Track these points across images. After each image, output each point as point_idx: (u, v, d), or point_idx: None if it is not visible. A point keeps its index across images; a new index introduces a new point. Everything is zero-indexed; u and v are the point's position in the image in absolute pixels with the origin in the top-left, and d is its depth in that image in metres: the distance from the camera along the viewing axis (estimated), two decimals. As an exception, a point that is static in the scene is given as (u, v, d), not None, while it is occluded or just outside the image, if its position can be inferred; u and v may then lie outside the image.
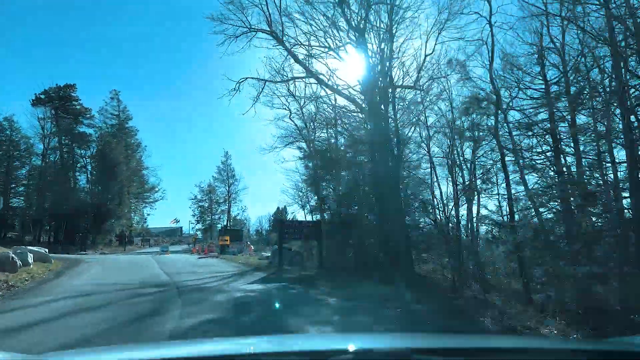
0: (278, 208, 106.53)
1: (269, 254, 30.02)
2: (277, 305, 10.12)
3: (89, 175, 54.12)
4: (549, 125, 12.98)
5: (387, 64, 18.24)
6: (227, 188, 72.75)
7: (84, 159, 53.94)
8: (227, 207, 72.66)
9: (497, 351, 2.03)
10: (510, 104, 15.07)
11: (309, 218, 38.79)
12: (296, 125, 40.63)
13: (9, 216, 41.32)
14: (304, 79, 21.48)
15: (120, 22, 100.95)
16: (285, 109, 39.60)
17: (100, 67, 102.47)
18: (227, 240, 32.02)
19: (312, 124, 39.93)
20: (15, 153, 45.01)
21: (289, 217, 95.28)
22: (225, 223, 73.41)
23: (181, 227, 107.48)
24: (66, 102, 51.97)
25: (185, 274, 16.92)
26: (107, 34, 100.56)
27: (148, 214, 78.11)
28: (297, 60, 19.53)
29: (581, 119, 12.49)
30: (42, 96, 52.32)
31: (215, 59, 65.37)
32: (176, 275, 16.12)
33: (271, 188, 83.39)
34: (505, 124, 15.99)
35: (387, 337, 3.48)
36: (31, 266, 15.34)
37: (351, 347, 1.92)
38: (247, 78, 19.57)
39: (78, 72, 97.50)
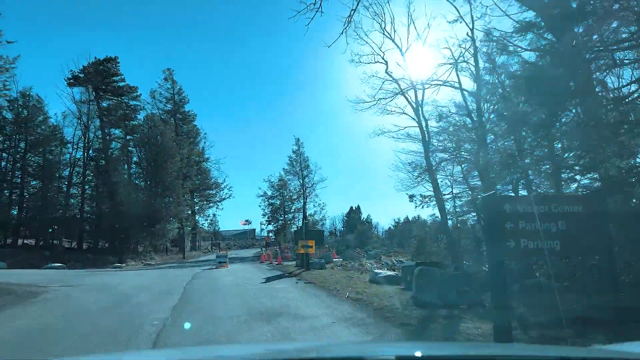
0: (352, 207, 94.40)
1: (387, 272, 17.16)
2: None
3: (135, 167, 44.26)
4: None
5: None
6: (301, 181, 61.11)
7: (131, 146, 44.12)
8: (302, 203, 61.03)
9: (485, 359, 1.93)
10: None
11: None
12: (395, 80, 29.48)
13: (25, 219, 32.12)
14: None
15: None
16: (379, 61, 27.13)
17: (140, 43, 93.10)
18: (311, 247, 19.50)
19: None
20: (36, 137, 35.45)
21: (363, 216, 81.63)
22: (300, 223, 61.85)
23: (254, 229, 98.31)
24: (106, 77, 42.48)
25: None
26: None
27: (215, 214, 68.10)
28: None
29: None
30: (81, 75, 43.37)
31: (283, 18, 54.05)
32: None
33: (345, 182, 71.05)
34: None
35: (376, 345, 3.69)
36: None
37: (342, 355, 1.95)
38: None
39: (116, 50, 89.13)
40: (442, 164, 32.03)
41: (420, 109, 30.05)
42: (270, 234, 64.74)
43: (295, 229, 61.21)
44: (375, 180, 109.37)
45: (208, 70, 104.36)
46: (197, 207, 63.44)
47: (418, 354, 1.89)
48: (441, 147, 31.93)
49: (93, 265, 30.87)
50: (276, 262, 31.71)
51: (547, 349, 2.62)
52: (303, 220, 60.76)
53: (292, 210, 62.28)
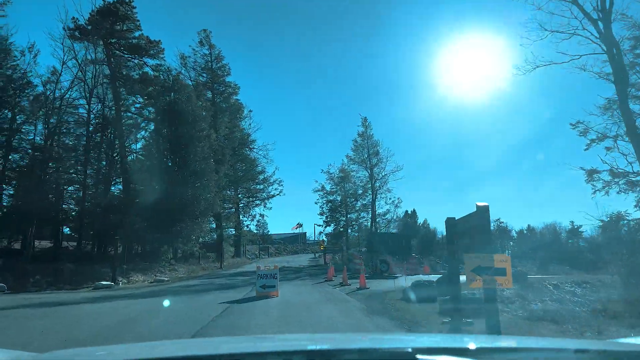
0: (407, 211, 79.70)
1: None
2: None
3: (154, 144, 33.05)
4: None
5: None
6: (369, 171, 48.36)
7: (150, 116, 33.11)
8: (370, 199, 48.21)
9: (502, 351, 1.92)
10: None
11: None
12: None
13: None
14: None
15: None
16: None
17: None
18: (506, 275, 6.94)
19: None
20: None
21: (419, 220, 65.08)
22: (369, 224, 49.31)
23: (304, 232, 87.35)
24: (116, 22, 31.65)
25: None
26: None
27: (263, 214, 56.12)
28: None
29: None
30: (88, 27, 33.01)
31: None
32: None
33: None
34: None
35: (392, 337, 3.56)
36: None
37: (355, 347, 1.88)
38: None
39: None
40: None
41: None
42: (325, 238, 51.77)
43: (367, 229, 48.59)
44: (428, 179, 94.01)
45: (252, 41, 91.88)
46: (241, 204, 52.16)
47: (438, 345, 1.83)
48: None
49: (69, 283, 19.63)
50: (358, 285, 19.33)
51: (565, 342, 2.67)
52: (371, 222, 47.89)
53: (356, 209, 49.50)
